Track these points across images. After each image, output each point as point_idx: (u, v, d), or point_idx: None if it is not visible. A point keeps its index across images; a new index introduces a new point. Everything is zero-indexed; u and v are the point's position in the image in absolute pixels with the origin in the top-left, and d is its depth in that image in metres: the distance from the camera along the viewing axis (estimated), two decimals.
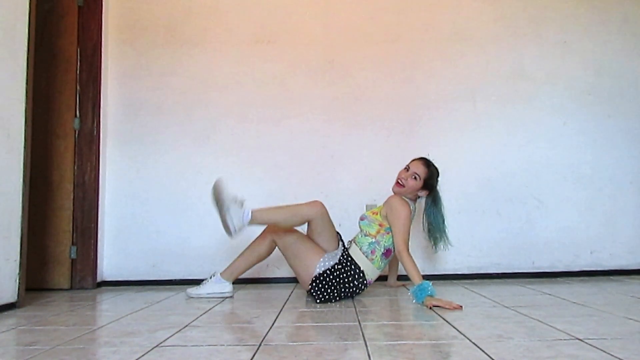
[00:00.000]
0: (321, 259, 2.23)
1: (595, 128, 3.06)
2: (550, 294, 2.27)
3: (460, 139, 3.03)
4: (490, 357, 1.22)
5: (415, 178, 2.32)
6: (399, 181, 2.35)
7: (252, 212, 2.18)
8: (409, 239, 2.23)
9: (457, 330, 1.55)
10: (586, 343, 1.34)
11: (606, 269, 2.95)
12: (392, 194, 2.37)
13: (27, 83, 2.27)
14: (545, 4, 3.13)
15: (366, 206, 2.98)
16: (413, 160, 2.41)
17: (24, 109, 2.25)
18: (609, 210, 3.01)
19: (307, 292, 2.26)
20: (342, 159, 3.02)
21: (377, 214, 2.35)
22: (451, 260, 2.96)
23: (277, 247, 2.39)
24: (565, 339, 1.39)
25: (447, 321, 1.69)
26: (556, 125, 3.06)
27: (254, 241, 2.43)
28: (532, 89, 3.08)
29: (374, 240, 2.30)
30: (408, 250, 2.18)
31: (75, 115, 2.90)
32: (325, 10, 3.12)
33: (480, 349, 1.31)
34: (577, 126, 3.06)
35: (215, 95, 3.06)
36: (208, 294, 2.39)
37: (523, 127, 3.05)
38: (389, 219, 2.28)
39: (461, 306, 1.93)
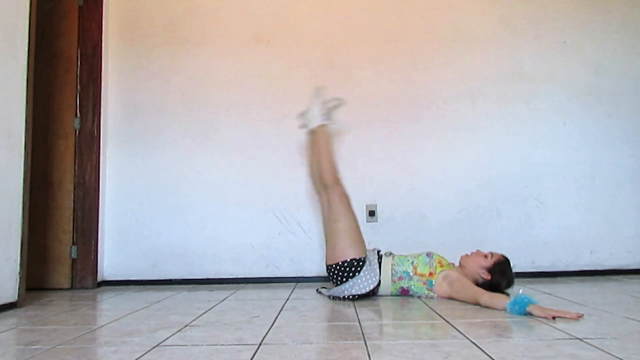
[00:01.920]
0: (362, 252, 2.26)
1: (595, 128, 3.06)
2: (550, 294, 2.27)
3: (460, 139, 3.04)
4: (490, 357, 1.22)
5: (486, 256, 2.18)
6: (469, 253, 2.25)
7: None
8: (472, 288, 2.04)
9: (457, 330, 1.55)
10: (586, 342, 1.35)
11: (606, 268, 2.96)
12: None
13: (27, 83, 2.27)
14: (544, 4, 3.13)
15: (366, 206, 2.98)
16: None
17: (24, 108, 2.26)
18: (609, 210, 3.01)
19: (331, 268, 2.28)
20: (341, 159, 3.02)
21: (442, 265, 2.23)
22: (451, 260, 2.96)
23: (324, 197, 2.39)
24: (564, 339, 1.39)
25: (447, 321, 1.69)
26: (556, 125, 3.06)
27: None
28: (532, 89, 3.08)
29: (412, 274, 2.22)
30: (482, 293, 1.95)
31: (76, 115, 2.90)
32: (325, 10, 3.12)
33: (480, 348, 1.31)
34: (577, 126, 3.06)
35: (216, 95, 3.06)
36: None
37: (523, 127, 3.05)
38: (455, 289, 2.11)
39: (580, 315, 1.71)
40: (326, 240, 2.35)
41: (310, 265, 2.93)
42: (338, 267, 2.23)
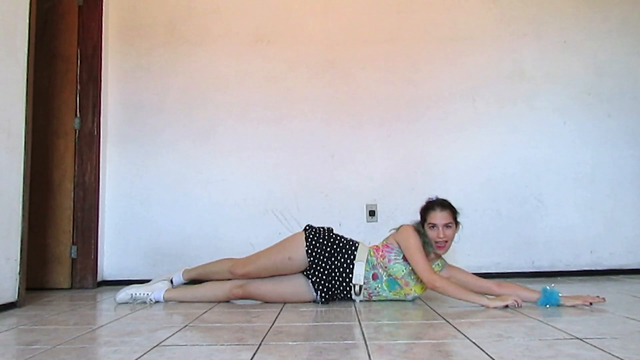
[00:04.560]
0: (304, 273, 2.13)
1: (595, 128, 3.06)
2: None
3: (460, 139, 3.03)
4: (490, 357, 1.22)
5: (449, 226, 2.10)
6: (438, 244, 2.08)
7: (164, 295, 2.23)
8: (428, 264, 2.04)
9: (457, 329, 1.55)
10: (586, 342, 1.34)
11: (606, 268, 2.96)
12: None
13: (27, 83, 2.27)
14: (545, 4, 3.13)
15: (366, 206, 2.98)
16: (443, 211, 2.11)
17: (24, 108, 2.25)
18: (609, 210, 3.01)
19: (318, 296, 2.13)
20: (342, 159, 3.02)
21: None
22: (451, 260, 2.96)
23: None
24: (564, 338, 1.39)
25: (447, 321, 1.69)
26: (556, 125, 3.06)
27: (221, 283, 2.24)
28: (532, 88, 3.08)
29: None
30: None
31: (76, 115, 2.90)
32: (325, 10, 3.12)
33: (480, 348, 1.31)
34: (577, 126, 3.06)
35: (216, 95, 3.06)
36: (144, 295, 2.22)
37: (523, 127, 3.05)
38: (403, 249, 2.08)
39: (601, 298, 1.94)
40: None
41: None
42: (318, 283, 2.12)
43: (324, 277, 2.12)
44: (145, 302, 2.21)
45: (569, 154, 3.04)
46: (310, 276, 2.13)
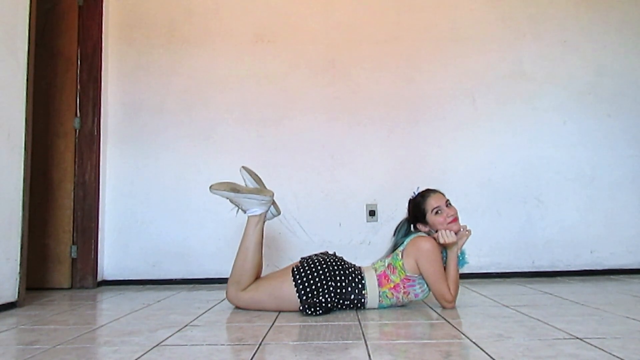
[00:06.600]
0: (292, 271, 1.95)
1: (595, 127, 3.06)
2: (550, 293, 2.27)
3: (460, 139, 3.03)
4: (490, 357, 1.22)
5: (449, 203, 2.02)
6: (451, 222, 1.98)
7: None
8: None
9: (457, 329, 1.55)
10: (586, 342, 1.34)
11: (606, 268, 2.95)
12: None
13: (27, 82, 2.27)
14: (545, 4, 3.13)
15: (366, 206, 2.98)
16: (436, 193, 2.03)
17: (24, 108, 2.26)
18: (609, 210, 3.01)
19: (304, 307, 1.86)
20: (342, 159, 3.02)
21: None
22: None
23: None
24: (565, 338, 1.39)
25: (447, 321, 1.69)
26: (556, 124, 3.06)
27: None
28: (532, 88, 3.08)
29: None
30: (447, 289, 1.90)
31: (76, 115, 2.90)
32: (325, 10, 3.12)
33: (481, 348, 1.31)
34: (577, 126, 3.06)
35: (216, 95, 3.06)
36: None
37: (523, 126, 3.05)
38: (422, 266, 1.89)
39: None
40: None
41: None
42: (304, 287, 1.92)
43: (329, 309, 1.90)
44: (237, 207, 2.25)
45: (569, 154, 3.04)
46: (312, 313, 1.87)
